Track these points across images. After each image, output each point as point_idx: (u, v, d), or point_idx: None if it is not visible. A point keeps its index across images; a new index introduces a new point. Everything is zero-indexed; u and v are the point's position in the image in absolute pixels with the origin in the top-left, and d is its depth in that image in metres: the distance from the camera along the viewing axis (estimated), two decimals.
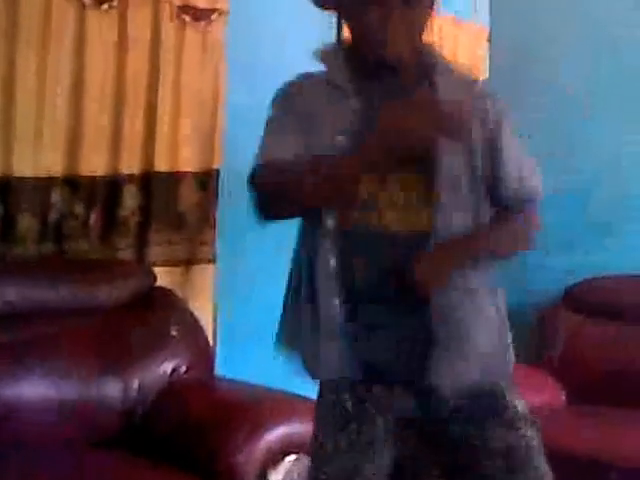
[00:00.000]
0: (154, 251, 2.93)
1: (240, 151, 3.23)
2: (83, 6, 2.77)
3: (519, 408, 1.73)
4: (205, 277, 3.06)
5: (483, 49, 4.10)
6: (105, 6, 2.81)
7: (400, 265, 1.60)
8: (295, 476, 2.36)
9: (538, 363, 3.41)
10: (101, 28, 2.80)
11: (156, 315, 2.70)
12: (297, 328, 1.74)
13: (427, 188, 1.64)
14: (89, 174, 2.79)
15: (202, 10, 3.04)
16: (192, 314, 2.81)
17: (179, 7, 2.99)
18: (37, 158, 2.68)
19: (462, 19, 4.02)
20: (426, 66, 1.71)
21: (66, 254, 2.75)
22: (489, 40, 4.10)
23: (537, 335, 3.56)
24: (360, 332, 1.67)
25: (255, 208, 1.73)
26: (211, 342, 2.94)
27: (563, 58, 3.85)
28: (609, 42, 3.74)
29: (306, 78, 1.78)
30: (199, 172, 3.05)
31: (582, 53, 3.80)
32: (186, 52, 3.02)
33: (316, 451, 1.76)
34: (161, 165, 2.95)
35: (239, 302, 3.20)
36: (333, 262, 1.66)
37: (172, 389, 2.54)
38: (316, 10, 3.56)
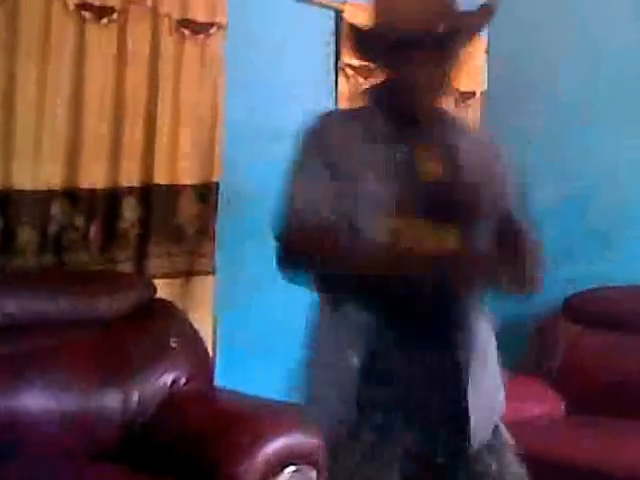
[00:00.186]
0: (154, 263, 2.94)
1: (239, 163, 3.27)
2: (83, 20, 2.79)
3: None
4: (204, 288, 3.07)
5: (481, 59, 4.12)
6: (105, 20, 2.84)
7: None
8: None
9: (537, 373, 3.41)
10: (101, 41, 2.83)
11: (156, 327, 2.70)
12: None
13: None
14: (89, 187, 2.80)
15: (201, 24, 3.07)
16: (192, 326, 2.81)
17: (178, 21, 3.02)
18: (37, 171, 2.70)
19: None
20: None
21: (66, 266, 2.76)
22: (487, 51, 4.12)
23: (536, 345, 3.56)
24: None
25: (279, 258, 1.65)
26: (211, 353, 2.95)
27: (560, 67, 3.86)
28: (606, 50, 3.74)
29: (336, 116, 1.78)
30: (198, 185, 3.06)
31: (579, 61, 3.81)
32: (185, 65, 3.04)
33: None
34: (160, 178, 2.96)
35: (238, 313, 3.20)
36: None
37: (172, 401, 2.54)
38: (314, 26, 3.62)
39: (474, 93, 4.06)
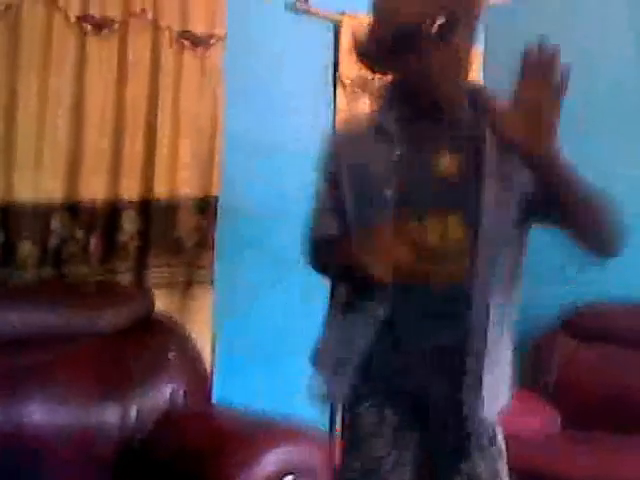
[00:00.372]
0: (153, 275, 2.95)
1: (238, 175, 3.27)
2: (84, 32, 2.80)
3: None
4: (203, 299, 3.07)
5: (478, 69, 4.13)
6: (105, 31, 2.84)
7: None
8: None
9: (534, 388, 3.42)
10: (101, 53, 2.83)
11: (155, 340, 2.71)
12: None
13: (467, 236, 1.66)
14: (89, 200, 2.81)
15: (201, 36, 3.07)
16: (191, 339, 2.82)
17: (178, 33, 3.02)
18: (37, 184, 2.70)
19: None
20: (475, 107, 1.71)
21: (66, 278, 2.76)
22: (483, 61, 4.13)
23: (533, 360, 3.57)
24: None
25: (310, 262, 1.84)
26: (209, 365, 2.96)
27: None
28: (602, 62, 3.75)
29: (352, 126, 1.83)
30: (198, 197, 3.07)
31: (575, 74, 3.81)
32: (185, 77, 3.04)
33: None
34: (160, 190, 2.97)
35: (237, 325, 3.22)
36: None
37: (170, 416, 2.55)
38: (313, 37, 3.62)
39: None
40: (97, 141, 2.83)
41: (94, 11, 2.81)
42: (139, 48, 2.92)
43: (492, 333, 1.67)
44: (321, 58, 3.58)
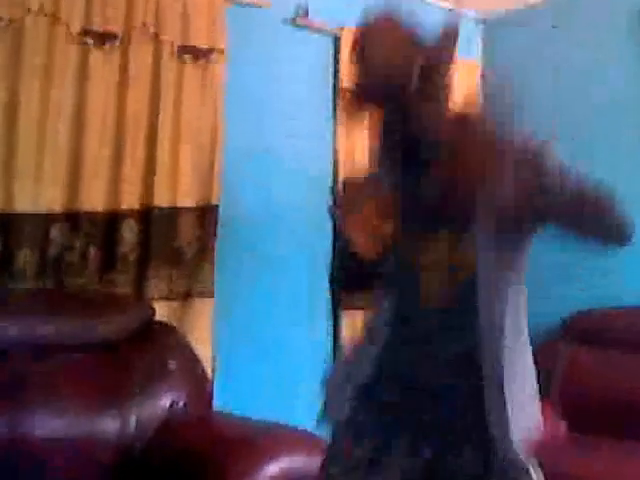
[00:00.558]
0: (153, 285, 2.96)
1: (238, 186, 3.29)
2: (86, 44, 2.83)
3: None
4: (203, 310, 3.08)
5: (476, 85, 4.15)
6: (108, 45, 2.87)
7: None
8: None
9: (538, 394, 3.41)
10: (103, 65, 2.86)
11: (155, 349, 2.71)
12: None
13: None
14: (89, 210, 2.83)
15: (202, 49, 3.11)
16: (191, 348, 2.82)
17: (180, 46, 3.06)
18: (38, 194, 2.72)
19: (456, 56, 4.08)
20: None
21: (65, 288, 2.77)
22: (482, 76, 4.16)
23: (536, 365, 3.56)
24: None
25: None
26: (210, 374, 2.96)
27: (554, 94, 3.90)
28: (601, 76, 3.78)
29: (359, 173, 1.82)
30: (198, 207, 3.09)
31: (573, 89, 3.84)
32: (186, 89, 3.07)
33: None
34: (161, 201, 2.99)
35: (237, 335, 3.23)
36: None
37: (170, 425, 2.54)
38: (313, 51, 3.65)
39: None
40: (98, 152, 2.86)
41: (96, 25, 2.85)
42: (141, 61, 2.95)
43: (506, 339, 1.66)
44: (321, 71, 3.61)
